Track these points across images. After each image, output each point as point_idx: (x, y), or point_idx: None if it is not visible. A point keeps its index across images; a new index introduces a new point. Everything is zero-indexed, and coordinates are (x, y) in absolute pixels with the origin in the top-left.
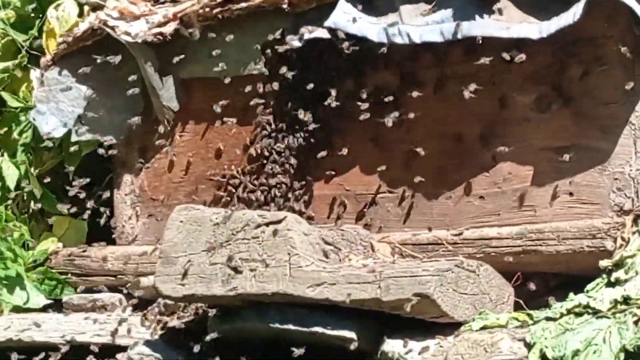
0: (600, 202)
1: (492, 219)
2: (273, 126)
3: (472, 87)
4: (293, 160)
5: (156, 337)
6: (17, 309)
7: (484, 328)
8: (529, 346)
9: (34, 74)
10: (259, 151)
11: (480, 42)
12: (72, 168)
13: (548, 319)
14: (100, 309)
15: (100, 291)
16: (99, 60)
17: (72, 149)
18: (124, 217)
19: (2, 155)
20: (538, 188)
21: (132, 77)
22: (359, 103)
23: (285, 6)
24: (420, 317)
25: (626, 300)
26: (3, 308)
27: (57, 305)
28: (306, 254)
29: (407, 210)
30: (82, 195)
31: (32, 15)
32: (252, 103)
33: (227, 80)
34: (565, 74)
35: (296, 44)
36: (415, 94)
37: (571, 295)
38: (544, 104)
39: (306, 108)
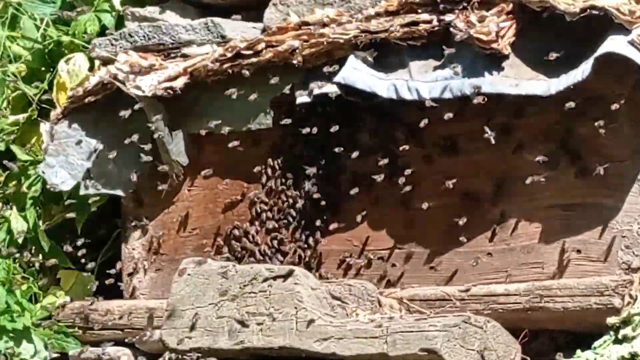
0: (608, 259)
1: (500, 276)
2: (281, 181)
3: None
4: (301, 216)
5: None
6: None
7: None
8: None
9: (44, 127)
10: (267, 206)
11: (486, 99)
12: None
13: None
14: None
15: (107, 345)
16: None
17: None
18: (131, 271)
19: (11, 208)
20: (546, 245)
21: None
22: (378, 162)
23: (295, 62)
24: None
25: (633, 357)
26: None
27: (63, 359)
28: (313, 308)
29: (414, 266)
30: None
31: (43, 69)
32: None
33: (233, 144)
34: (574, 131)
35: (305, 99)
36: (423, 150)
37: (578, 352)
38: (552, 163)
39: (313, 164)
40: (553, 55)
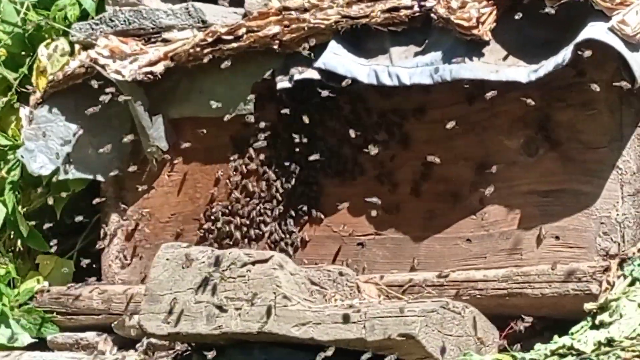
0: (586, 246)
1: (479, 262)
2: (262, 167)
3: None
4: (281, 201)
5: None
6: (1, 347)
7: None
8: None
9: (23, 111)
10: (248, 191)
11: (467, 85)
12: (59, 206)
13: None
14: (85, 348)
15: (85, 330)
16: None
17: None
18: (111, 256)
19: None
20: (525, 231)
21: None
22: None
23: (276, 47)
24: (405, 358)
25: (610, 342)
26: None
27: (41, 344)
28: (292, 294)
29: (393, 252)
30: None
31: (23, 53)
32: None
33: (226, 117)
34: (553, 118)
35: (286, 84)
36: (404, 136)
37: (556, 337)
38: (532, 148)
39: (293, 150)
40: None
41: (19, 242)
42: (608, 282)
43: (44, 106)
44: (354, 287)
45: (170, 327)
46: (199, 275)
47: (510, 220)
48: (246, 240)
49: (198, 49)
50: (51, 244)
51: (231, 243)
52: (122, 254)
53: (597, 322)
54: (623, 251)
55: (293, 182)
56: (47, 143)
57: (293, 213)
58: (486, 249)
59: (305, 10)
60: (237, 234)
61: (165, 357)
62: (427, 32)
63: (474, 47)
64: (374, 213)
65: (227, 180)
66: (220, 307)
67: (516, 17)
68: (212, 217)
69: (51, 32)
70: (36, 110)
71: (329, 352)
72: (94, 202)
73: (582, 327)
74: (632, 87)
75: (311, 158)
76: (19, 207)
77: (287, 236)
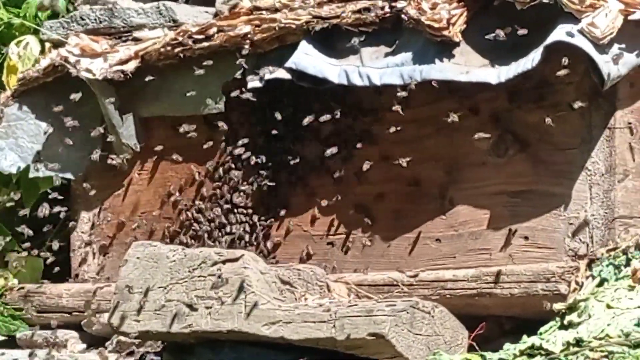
0: (555, 246)
1: (448, 262)
2: (232, 166)
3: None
4: (250, 200)
5: None
6: None
7: None
8: None
9: None
10: (217, 190)
11: (437, 85)
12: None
13: None
14: (54, 345)
15: (54, 328)
16: (55, 109)
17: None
18: (81, 254)
19: None
20: (494, 232)
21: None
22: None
23: (246, 46)
24: (375, 357)
25: (578, 342)
26: None
27: (11, 342)
28: (262, 292)
29: (363, 251)
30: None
31: None
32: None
33: (185, 129)
34: (523, 119)
35: (257, 84)
36: (373, 136)
37: (524, 337)
38: (501, 149)
39: (263, 149)
40: (501, 34)
41: None
42: (577, 283)
43: (14, 104)
44: (324, 286)
45: (140, 325)
46: (168, 274)
47: (479, 221)
48: (216, 240)
49: (169, 48)
50: (23, 245)
51: (201, 242)
52: (92, 252)
53: (565, 322)
54: (592, 252)
55: (263, 181)
56: (17, 141)
57: (263, 213)
58: (455, 249)
59: (276, 10)
60: (207, 234)
61: (134, 355)
62: (397, 33)
63: (444, 48)
64: (345, 212)
65: (198, 179)
66: (190, 306)
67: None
68: (183, 216)
69: (22, 30)
70: (6, 108)
71: None
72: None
73: (551, 327)
74: (602, 89)
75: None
76: None
77: (257, 235)
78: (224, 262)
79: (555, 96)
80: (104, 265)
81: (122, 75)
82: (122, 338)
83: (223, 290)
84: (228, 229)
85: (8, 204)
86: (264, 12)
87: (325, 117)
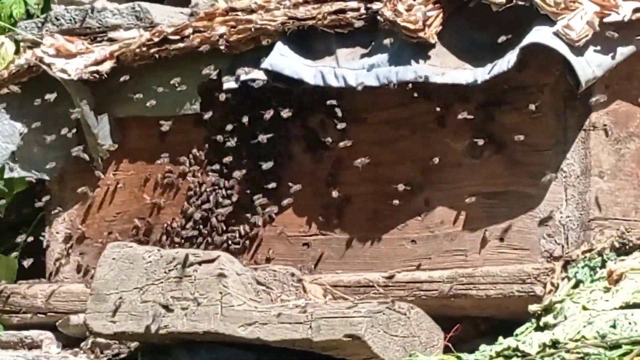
0: (530, 247)
1: (424, 263)
2: (207, 167)
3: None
4: (227, 200)
5: None
6: None
7: None
8: None
9: None
10: (194, 190)
11: (411, 87)
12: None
13: None
14: (29, 346)
15: (29, 328)
16: (36, 103)
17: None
18: (56, 254)
19: None
20: (469, 233)
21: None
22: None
23: (222, 47)
24: (351, 358)
25: (555, 344)
26: None
27: None
28: (238, 294)
29: (339, 252)
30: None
31: None
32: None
33: (164, 127)
34: (499, 120)
35: (232, 85)
36: (348, 138)
37: (500, 338)
38: (477, 150)
39: (238, 149)
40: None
41: None
42: (552, 284)
43: None
44: (300, 287)
45: (116, 326)
46: (144, 275)
47: (455, 222)
48: (194, 239)
49: (144, 49)
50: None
51: (177, 243)
52: (67, 252)
53: (541, 323)
54: (567, 253)
55: (238, 182)
56: None
57: (239, 214)
58: (431, 250)
59: (252, 11)
60: (185, 234)
61: (110, 356)
62: (373, 34)
63: (420, 49)
64: (321, 213)
65: (173, 180)
66: (166, 307)
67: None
68: (159, 217)
69: None
70: None
71: None
72: (37, 204)
73: (527, 328)
74: (577, 91)
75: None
76: None
77: (234, 236)
78: (200, 263)
79: (530, 98)
80: (79, 266)
81: (97, 76)
82: (97, 339)
83: (199, 291)
84: (204, 229)
85: None
86: (239, 12)
87: (288, 113)
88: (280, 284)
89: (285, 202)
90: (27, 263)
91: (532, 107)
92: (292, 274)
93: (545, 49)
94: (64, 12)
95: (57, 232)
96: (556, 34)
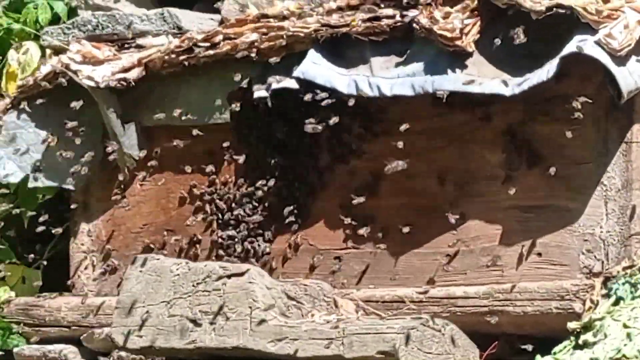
0: (569, 263)
1: (459, 278)
2: (238, 178)
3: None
4: (257, 214)
5: None
6: None
7: None
8: None
9: None
10: (223, 203)
11: (445, 98)
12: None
13: None
14: None
15: (52, 342)
16: (74, 105)
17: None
18: (80, 267)
19: None
20: (506, 247)
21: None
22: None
23: (253, 55)
24: None
25: None
26: None
27: (8, 356)
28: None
29: (372, 267)
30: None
31: None
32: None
33: (194, 132)
34: (537, 132)
35: (263, 93)
36: (383, 147)
37: (538, 357)
38: (514, 162)
39: (271, 160)
40: (497, 42)
41: None
42: (592, 301)
43: (13, 112)
44: (331, 302)
45: (142, 341)
46: (172, 288)
47: (491, 236)
48: (223, 252)
49: (173, 56)
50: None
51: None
52: (92, 265)
53: (580, 341)
54: (607, 269)
55: (269, 195)
56: (16, 150)
57: (269, 226)
58: (467, 265)
59: (284, 17)
60: (213, 247)
61: None
62: (408, 42)
63: (456, 58)
64: (354, 226)
65: (202, 191)
66: (194, 321)
67: (496, 40)
68: (187, 228)
69: (21, 35)
70: (5, 116)
71: None
72: (70, 207)
73: (565, 347)
74: (619, 101)
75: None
76: None
77: (263, 249)
78: (229, 276)
79: (570, 109)
80: (104, 278)
81: (124, 84)
82: (122, 353)
83: (228, 305)
84: (232, 242)
85: (4, 214)
86: (271, 19)
87: (335, 119)
88: (311, 299)
89: (317, 215)
90: (49, 275)
91: (577, 115)
92: (323, 289)
93: (586, 59)
94: (91, 17)
95: (82, 244)
96: (597, 43)
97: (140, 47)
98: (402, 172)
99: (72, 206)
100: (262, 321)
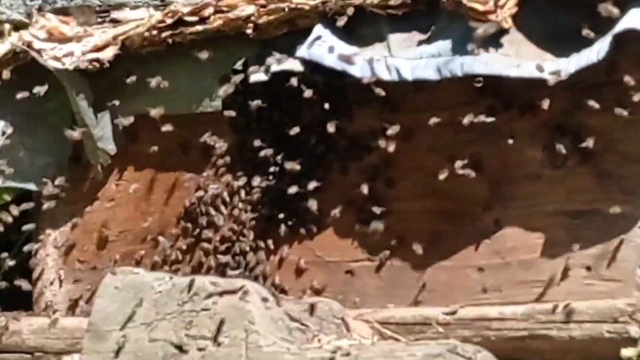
0: (623, 279)
1: (494, 296)
2: (232, 175)
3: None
4: (255, 218)
5: None
6: None
7: None
8: None
9: None
10: (214, 205)
11: (481, 84)
12: None
13: None
14: None
15: None
16: (37, 90)
17: None
18: (45, 282)
19: None
20: (549, 260)
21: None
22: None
23: (249, 31)
24: None
25: None
26: None
27: None
28: (267, 332)
29: (390, 282)
30: None
31: None
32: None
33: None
34: (585, 123)
35: (261, 77)
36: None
37: None
38: (559, 159)
39: (271, 157)
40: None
41: None
42: None
43: None
44: (342, 324)
45: None
46: (153, 308)
47: (531, 247)
48: (213, 265)
49: (155, 32)
50: None
51: (194, 269)
52: (59, 279)
53: None
54: None
55: (268, 194)
56: None
57: (269, 234)
58: (502, 281)
59: None
60: (202, 258)
61: None
62: (433, 17)
63: (490, 36)
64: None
65: (189, 191)
66: (179, 347)
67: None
68: (172, 236)
69: None
70: None
71: None
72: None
73: None
74: None
75: (289, 166)
76: None
77: (262, 262)
78: (220, 294)
79: (624, 96)
80: (73, 296)
81: (97, 65)
82: None
83: (219, 328)
84: (226, 253)
85: None
86: None
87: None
88: (318, 321)
89: (325, 221)
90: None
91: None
92: (333, 309)
93: None
94: None
95: (47, 255)
96: None
97: (115, 21)
98: (425, 170)
99: (34, 210)
100: (260, 347)
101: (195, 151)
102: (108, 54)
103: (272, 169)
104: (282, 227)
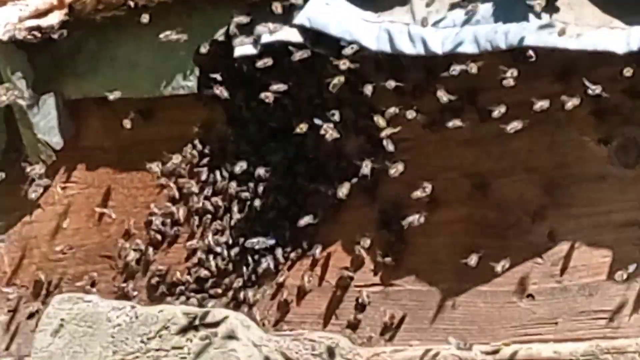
0: None
1: (547, 330)
2: (210, 177)
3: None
4: (242, 235)
5: None
6: None
7: None
8: None
9: None
10: (189, 213)
11: (535, 58)
12: None
13: None
14: None
15: None
16: None
17: None
18: None
19: None
20: (618, 284)
21: None
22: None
23: None
24: None
25: None
26: None
27: None
28: None
29: (414, 313)
30: None
31: None
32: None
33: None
34: None
35: (249, 50)
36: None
37: None
38: (630, 156)
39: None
40: None
41: None
42: None
43: None
44: None
45: None
46: (110, 346)
47: (595, 267)
48: (190, 290)
49: None
50: None
51: (164, 295)
52: None
53: None
54: None
55: (259, 199)
56: None
57: (258, 249)
58: (559, 311)
59: None
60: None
61: None
62: None
63: None
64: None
65: (158, 197)
66: None
67: None
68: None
69: None
70: None
71: None
72: None
73: None
74: None
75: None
76: None
77: (251, 287)
78: (196, 327)
79: None
80: (6, 329)
81: (39, 35)
82: None
83: None
84: (207, 275)
85: None
86: None
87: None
88: None
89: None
90: None
91: None
92: (340, 346)
93: None
94: None
95: None
96: None
97: None
98: (458, 171)
99: None
100: None
101: (163, 144)
102: (52, 20)
103: (265, 172)
104: (280, 246)
